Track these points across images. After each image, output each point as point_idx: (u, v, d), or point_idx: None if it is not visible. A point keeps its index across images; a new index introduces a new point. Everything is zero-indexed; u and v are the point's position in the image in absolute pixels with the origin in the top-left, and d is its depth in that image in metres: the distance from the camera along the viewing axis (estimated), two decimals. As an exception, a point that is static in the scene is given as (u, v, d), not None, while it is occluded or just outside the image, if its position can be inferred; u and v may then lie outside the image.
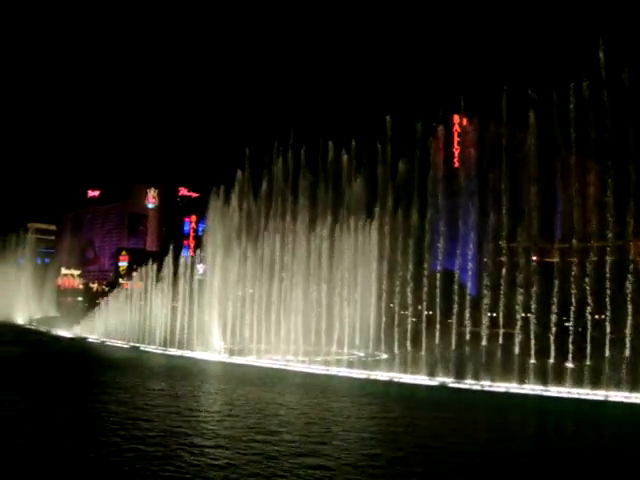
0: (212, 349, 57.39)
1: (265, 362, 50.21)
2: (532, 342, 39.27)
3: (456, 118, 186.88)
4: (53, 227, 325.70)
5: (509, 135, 48.71)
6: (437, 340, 44.33)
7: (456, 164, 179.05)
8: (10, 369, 42.30)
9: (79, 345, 66.64)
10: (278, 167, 60.90)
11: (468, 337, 43.93)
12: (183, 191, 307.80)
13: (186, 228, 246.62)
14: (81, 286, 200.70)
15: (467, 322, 44.56)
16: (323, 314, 53.06)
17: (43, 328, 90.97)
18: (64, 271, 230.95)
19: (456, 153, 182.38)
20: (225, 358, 53.52)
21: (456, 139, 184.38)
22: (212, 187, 66.39)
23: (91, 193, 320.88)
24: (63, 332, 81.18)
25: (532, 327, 40.28)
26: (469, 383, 37.50)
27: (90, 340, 72.15)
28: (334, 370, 45.16)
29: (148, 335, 68.15)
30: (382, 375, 41.83)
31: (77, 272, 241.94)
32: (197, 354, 56.32)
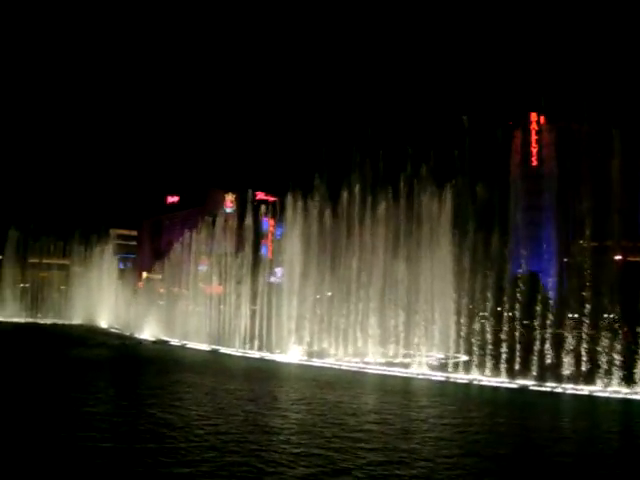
0: (291, 352, 57.94)
1: (344, 364, 50.35)
2: (616, 344, 38.25)
3: (533, 116, 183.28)
4: (134, 233, 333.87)
5: (590, 133, 47.72)
6: (517, 342, 43.66)
7: (534, 163, 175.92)
8: (99, 371, 43.61)
9: (160, 348, 68.06)
10: (356, 175, 61.12)
11: (550, 339, 43.11)
12: (260, 195, 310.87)
13: (264, 226, 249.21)
14: (162, 290, 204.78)
15: (548, 324, 43.77)
16: (402, 316, 52.97)
17: (126, 331, 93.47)
18: (145, 275, 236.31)
19: (534, 152, 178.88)
20: (304, 361, 53.88)
21: (534, 138, 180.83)
22: (289, 191, 67.09)
23: (170, 199, 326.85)
24: (145, 335, 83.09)
25: (617, 329, 39.30)
26: (550, 386, 36.80)
27: (171, 343, 73.64)
28: (413, 372, 44.99)
29: (227, 338, 69.31)
30: (462, 377, 41.48)
31: (158, 276, 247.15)
32: (276, 356, 56.92)
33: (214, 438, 20.98)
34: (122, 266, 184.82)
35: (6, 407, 26.72)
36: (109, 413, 26.02)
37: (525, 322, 46.19)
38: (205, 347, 67.58)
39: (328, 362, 51.83)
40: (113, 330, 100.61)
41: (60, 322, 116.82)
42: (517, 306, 46.02)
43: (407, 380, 41.96)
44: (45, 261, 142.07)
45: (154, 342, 75.29)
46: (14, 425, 23.00)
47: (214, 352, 63.89)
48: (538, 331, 44.31)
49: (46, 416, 24.96)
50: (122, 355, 58.35)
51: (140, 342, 75.46)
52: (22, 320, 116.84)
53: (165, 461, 17.88)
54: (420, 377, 43.13)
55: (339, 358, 53.56)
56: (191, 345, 70.11)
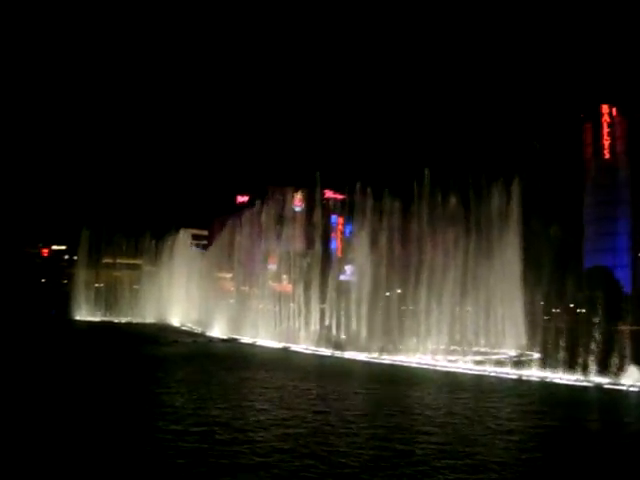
0: (361, 349, 58.07)
1: (414, 361, 50.25)
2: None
3: (605, 108, 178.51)
4: (205, 232, 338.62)
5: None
6: (591, 339, 42.83)
7: (606, 156, 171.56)
8: (172, 368, 44.51)
9: (230, 346, 68.79)
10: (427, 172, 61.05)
11: (624, 336, 42.15)
12: (328, 193, 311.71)
13: (333, 222, 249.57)
14: (232, 288, 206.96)
15: (624, 319, 42.91)
16: (473, 312, 52.64)
17: (197, 329, 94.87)
18: (216, 274, 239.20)
19: (606, 145, 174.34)
20: (374, 358, 53.93)
21: (605, 130, 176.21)
22: (357, 188, 67.28)
23: (240, 198, 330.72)
24: (215, 333, 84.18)
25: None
26: (626, 385, 36.00)
27: (242, 341, 74.43)
28: (484, 369, 44.56)
29: (298, 335, 69.74)
30: (534, 375, 40.92)
31: (229, 275, 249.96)
32: (347, 354, 57.12)
33: (290, 440, 21.17)
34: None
35: (87, 402, 27.74)
36: (183, 408, 26.81)
37: (598, 318, 45.31)
38: (275, 344, 68.06)
39: (398, 359, 51.76)
40: (184, 328, 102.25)
41: (134, 321, 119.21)
42: (591, 302, 45.22)
43: (478, 377, 41.55)
44: (118, 261, 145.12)
45: (224, 340, 76.19)
46: (97, 419, 23.90)
47: (285, 350, 64.30)
48: (612, 327, 43.43)
49: (124, 411, 25.88)
50: (193, 352, 59.28)
51: (210, 340, 76.45)
52: (97, 319, 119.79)
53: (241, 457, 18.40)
54: (491, 374, 42.65)
55: (409, 355, 53.44)
56: (261, 343, 70.74)
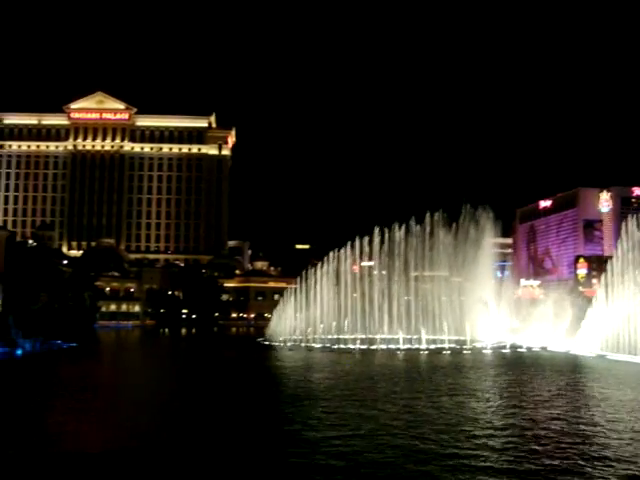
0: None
1: None
2: None
3: None
4: (509, 240, 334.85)
5: None
6: None
7: None
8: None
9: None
10: None
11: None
12: (637, 191, 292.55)
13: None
14: (541, 297, 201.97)
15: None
16: None
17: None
18: (523, 283, 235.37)
19: None
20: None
21: None
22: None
23: (543, 204, 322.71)
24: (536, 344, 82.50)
25: None
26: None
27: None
28: None
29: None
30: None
31: (536, 283, 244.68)
32: None
33: None
34: (500, 274, 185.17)
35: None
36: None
37: None
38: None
39: None
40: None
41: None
42: None
43: None
44: (426, 273, 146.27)
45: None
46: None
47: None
48: None
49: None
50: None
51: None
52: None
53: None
54: None
55: None
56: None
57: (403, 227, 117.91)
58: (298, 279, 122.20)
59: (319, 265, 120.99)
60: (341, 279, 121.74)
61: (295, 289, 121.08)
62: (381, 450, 27.67)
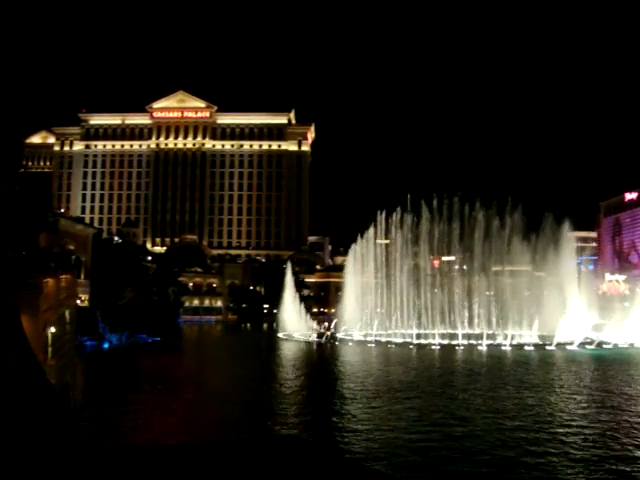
0: None
1: None
2: None
3: None
4: (593, 234, 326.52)
5: None
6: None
7: None
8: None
9: None
10: None
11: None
12: None
13: None
14: (627, 292, 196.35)
15: None
16: None
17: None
18: (609, 277, 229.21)
19: None
20: None
21: None
22: None
23: (628, 196, 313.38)
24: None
25: None
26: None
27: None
28: None
29: None
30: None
31: (622, 277, 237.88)
32: None
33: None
34: (584, 268, 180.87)
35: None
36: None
37: None
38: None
39: None
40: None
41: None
42: None
43: None
44: (507, 268, 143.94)
45: None
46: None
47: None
48: None
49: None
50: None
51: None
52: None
53: None
54: None
55: None
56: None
57: (482, 219, 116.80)
58: (377, 274, 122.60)
59: (397, 259, 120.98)
60: (421, 274, 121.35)
61: (375, 283, 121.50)
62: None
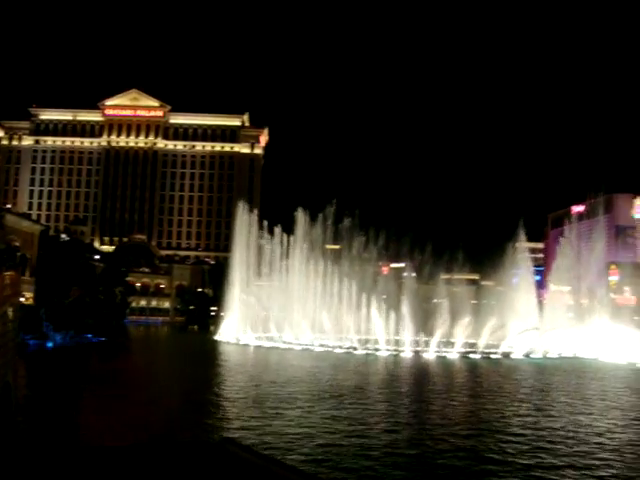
0: None
1: None
2: None
3: None
4: (540, 245, 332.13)
5: None
6: None
7: None
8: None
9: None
10: None
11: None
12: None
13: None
14: (571, 302, 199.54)
15: None
16: None
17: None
18: (553, 288, 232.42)
19: None
20: None
21: None
22: None
23: (575, 209, 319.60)
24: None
25: None
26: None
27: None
28: None
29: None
30: None
31: (566, 288, 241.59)
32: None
33: None
34: (530, 279, 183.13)
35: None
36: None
37: None
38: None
39: None
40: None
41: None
42: None
43: None
44: (456, 277, 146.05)
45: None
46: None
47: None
48: None
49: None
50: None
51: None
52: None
53: None
54: None
55: None
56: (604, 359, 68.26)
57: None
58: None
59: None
60: (366, 280, 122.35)
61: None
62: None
